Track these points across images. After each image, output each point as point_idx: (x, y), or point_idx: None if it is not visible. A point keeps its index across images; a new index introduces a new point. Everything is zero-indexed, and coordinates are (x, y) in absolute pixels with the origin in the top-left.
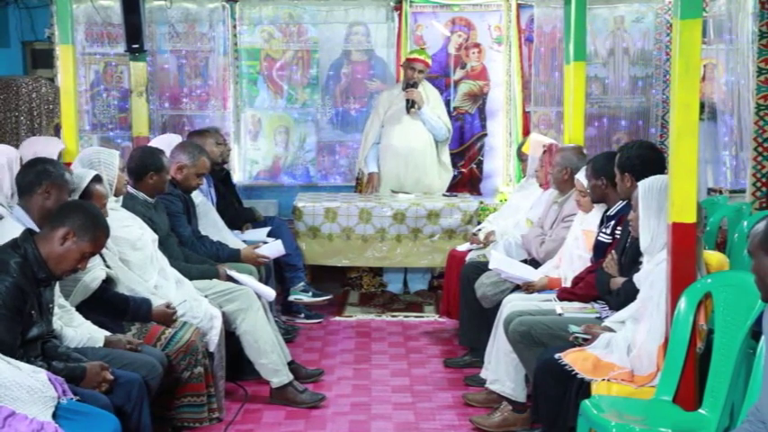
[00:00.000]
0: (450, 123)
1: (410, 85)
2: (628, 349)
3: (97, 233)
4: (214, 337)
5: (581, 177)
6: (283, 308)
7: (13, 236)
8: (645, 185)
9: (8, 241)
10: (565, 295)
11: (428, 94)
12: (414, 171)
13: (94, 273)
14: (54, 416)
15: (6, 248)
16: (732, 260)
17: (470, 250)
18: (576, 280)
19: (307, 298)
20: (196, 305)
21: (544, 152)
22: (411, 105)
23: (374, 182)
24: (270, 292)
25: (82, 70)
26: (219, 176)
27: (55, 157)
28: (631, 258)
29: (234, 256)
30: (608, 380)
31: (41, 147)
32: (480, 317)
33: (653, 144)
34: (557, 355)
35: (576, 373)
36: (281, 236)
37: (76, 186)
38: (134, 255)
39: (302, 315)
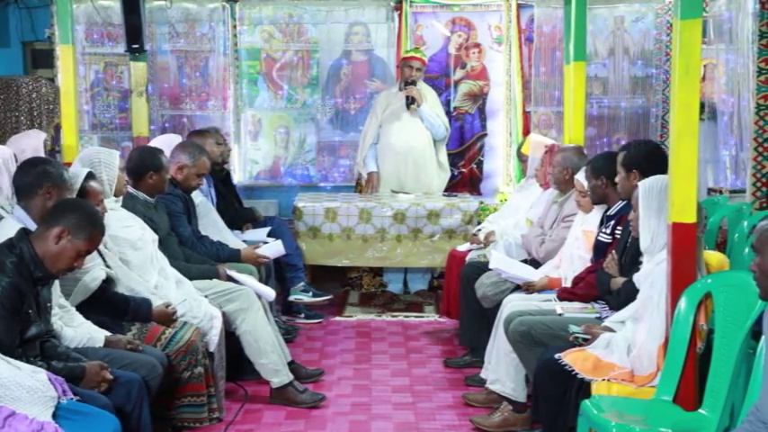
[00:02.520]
0: (449, 123)
1: (408, 83)
2: (628, 349)
3: (93, 231)
4: (214, 337)
5: (580, 178)
6: (283, 308)
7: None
8: (645, 185)
9: (3, 241)
10: (565, 295)
11: (425, 93)
12: (413, 169)
13: (94, 273)
14: (54, 416)
15: (2, 248)
16: (732, 260)
17: (470, 250)
18: (577, 280)
19: (307, 298)
20: (196, 305)
21: (546, 152)
22: (411, 102)
23: (374, 181)
24: (270, 293)
25: (82, 70)
26: (220, 176)
27: (41, 148)
28: (631, 258)
29: (234, 256)
30: (608, 380)
31: (25, 142)
32: (480, 317)
33: (658, 144)
34: (557, 355)
35: (576, 373)
36: (282, 236)
37: (72, 186)
38: (134, 255)
39: (302, 315)
